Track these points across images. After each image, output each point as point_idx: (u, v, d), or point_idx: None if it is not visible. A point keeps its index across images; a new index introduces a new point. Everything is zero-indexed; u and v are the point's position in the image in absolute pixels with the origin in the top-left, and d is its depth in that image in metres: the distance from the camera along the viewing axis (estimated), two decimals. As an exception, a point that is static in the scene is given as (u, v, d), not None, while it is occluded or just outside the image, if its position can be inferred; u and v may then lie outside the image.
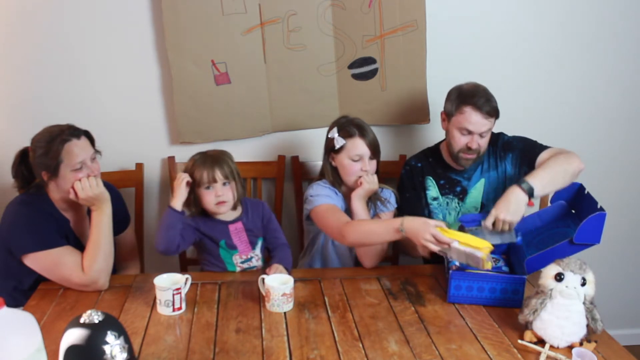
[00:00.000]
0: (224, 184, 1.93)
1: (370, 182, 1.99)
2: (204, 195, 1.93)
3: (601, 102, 2.60)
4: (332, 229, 1.92)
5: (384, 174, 2.08)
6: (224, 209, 1.94)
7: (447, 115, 2.11)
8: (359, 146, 1.99)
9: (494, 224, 1.84)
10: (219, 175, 1.91)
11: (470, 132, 2.02)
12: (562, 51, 2.52)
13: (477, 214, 2.01)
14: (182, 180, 1.90)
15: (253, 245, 2.00)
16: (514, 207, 1.82)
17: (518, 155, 2.10)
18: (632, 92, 2.61)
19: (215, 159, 1.94)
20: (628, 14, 2.50)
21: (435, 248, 1.69)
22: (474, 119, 2.00)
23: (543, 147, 2.05)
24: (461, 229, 1.89)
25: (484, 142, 2.06)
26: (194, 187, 1.94)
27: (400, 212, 2.16)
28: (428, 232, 1.68)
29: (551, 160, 1.94)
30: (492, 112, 2.02)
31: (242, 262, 1.99)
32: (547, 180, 1.87)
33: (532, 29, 2.48)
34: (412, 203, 2.16)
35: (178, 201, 1.89)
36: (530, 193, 1.83)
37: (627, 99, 2.61)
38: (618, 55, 2.55)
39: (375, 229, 1.86)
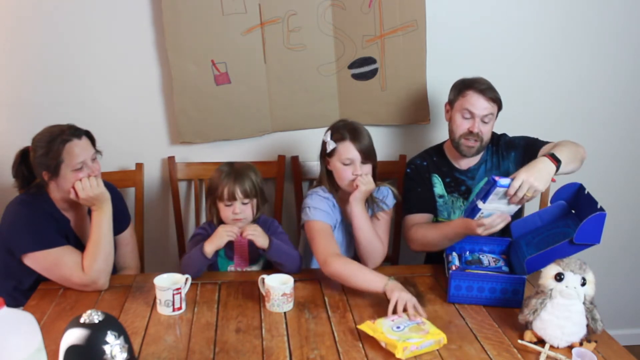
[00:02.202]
0: (244, 202, 1.92)
1: (366, 182, 1.93)
2: (222, 209, 1.93)
3: (601, 102, 2.60)
4: (318, 253, 1.86)
5: (385, 174, 2.06)
6: (240, 225, 1.93)
7: (450, 103, 2.12)
8: (349, 150, 1.93)
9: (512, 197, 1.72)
10: (238, 193, 1.90)
11: (471, 115, 2.03)
12: (562, 51, 2.52)
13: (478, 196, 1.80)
14: (231, 236, 1.87)
15: (254, 261, 2.00)
16: (544, 174, 1.73)
17: (521, 153, 2.09)
18: (632, 91, 2.60)
19: (238, 175, 1.92)
20: (628, 13, 2.50)
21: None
22: (475, 100, 2.02)
23: (544, 143, 2.05)
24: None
25: (485, 130, 2.06)
26: (215, 199, 1.94)
27: (411, 208, 2.14)
28: (411, 301, 1.64)
29: (562, 143, 1.91)
30: (494, 98, 2.04)
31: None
32: (567, 157, 1.81)
33: (532, 29, 2.48)
34: (424, 197, 2.15)
35: (212, 249, 1.86)
36: (558, 165, 1.76)
37: (628, 98, 2.61)
38: (618, 55, 2.55)
39: (360, 275, 1.77)
